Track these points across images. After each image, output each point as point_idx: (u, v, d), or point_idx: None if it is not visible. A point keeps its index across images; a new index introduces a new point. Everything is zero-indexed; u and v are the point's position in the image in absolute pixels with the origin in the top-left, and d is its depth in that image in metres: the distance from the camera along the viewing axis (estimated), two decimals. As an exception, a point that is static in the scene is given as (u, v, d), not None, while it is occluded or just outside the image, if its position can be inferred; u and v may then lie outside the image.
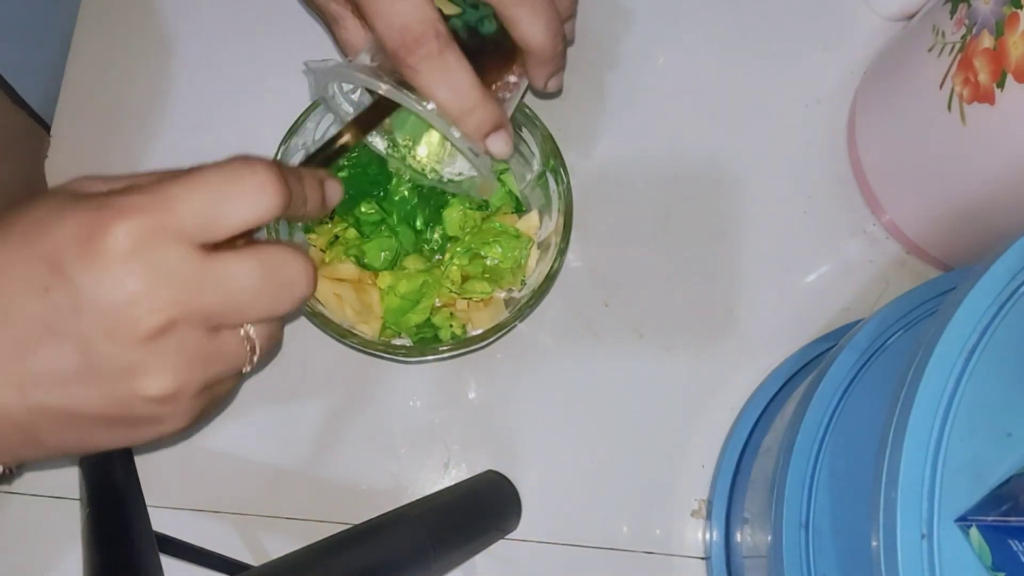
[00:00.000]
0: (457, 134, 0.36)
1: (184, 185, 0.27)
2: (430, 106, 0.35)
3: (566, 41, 0.38)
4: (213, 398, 0.31)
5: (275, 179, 0.27)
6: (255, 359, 0.30)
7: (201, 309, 0.27)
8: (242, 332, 0.29)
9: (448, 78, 0.34)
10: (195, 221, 0.26)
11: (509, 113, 0.39)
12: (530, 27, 0.36)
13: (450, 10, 0.36)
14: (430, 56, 0.34)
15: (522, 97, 0.40)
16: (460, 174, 0.41)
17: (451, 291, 0.42)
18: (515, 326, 0.42)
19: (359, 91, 0.40)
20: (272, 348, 0.31)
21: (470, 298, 0.43)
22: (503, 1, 0.35)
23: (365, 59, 0.37)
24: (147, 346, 0.26)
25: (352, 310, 0.42)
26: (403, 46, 0.34)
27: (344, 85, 0.39)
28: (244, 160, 0.28)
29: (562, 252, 0.42)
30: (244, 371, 0.30)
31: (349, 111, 0.40)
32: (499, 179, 0.44)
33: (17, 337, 0.26)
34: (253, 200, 0.27)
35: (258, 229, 0.29)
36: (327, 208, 0.32)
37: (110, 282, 0.26)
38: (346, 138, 0.36)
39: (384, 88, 0.35)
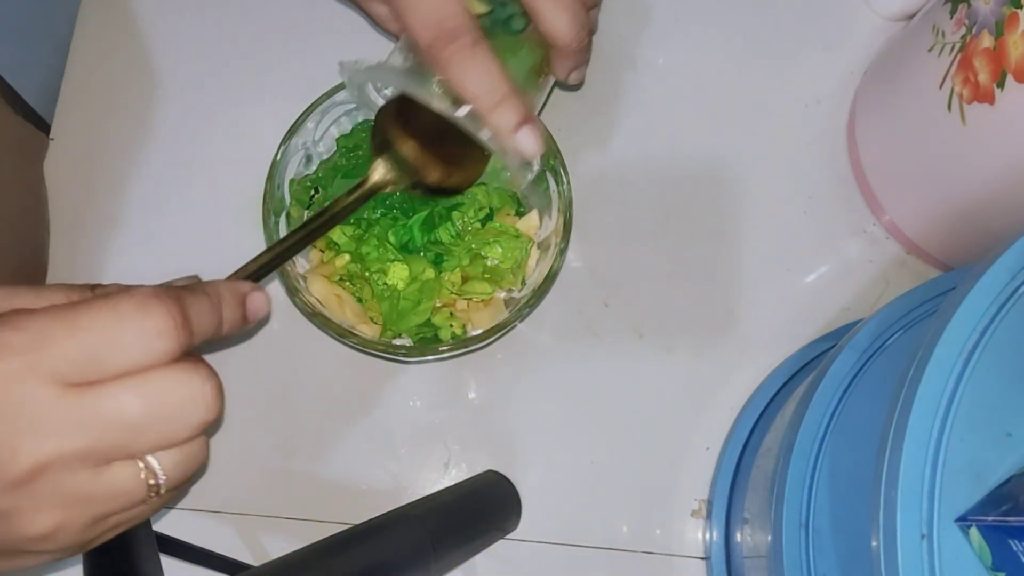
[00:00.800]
0: (487, 135, 0.36)
1: (65, 326, 0.25)
2: (460, 111, 0.35)
3: (591, 33, 0.38)
4: (115, 525, 0.29)
5: (171, 324, 0.26)
6: (162, 489, 0.28)
7: (76, 450, 0.25)
8: (140, 463, 0.27)
9: (479, 71, 0.35)
10: (71, 364, 0.25)
11: (535, 111, 0.40)
12: (556, 20, 0.36)
13: (479, 9, 0.36)
14: (462, 50, 0.34)
15: (548, 95, 0.41)
16: None
17: (451, 292, 0.42)
18: (515, 326, 0.42)
19: (389, 89, 0.40)
20: (184, 472, 0.28)
21: (470, 298, 0.43)
22: None
23: (398, 58, 0.37)
24: (19, 489, 0.25)
25: (352, 311, 0.42)
26: (436, 40, 0.34)
27: (378, 85, 0.40)
28: (140, 301, 0.26)
29: (562, 252, 0.42)
30: (149, 500, 0.28)
31: (380, 102, 0.40)
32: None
33: None
34: (142, 346, 0.26)
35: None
36: (250, 323, 0.31)
37: None
38: (296, 238, 0.36)
39: (418, 91, 0.35)
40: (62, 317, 0.25)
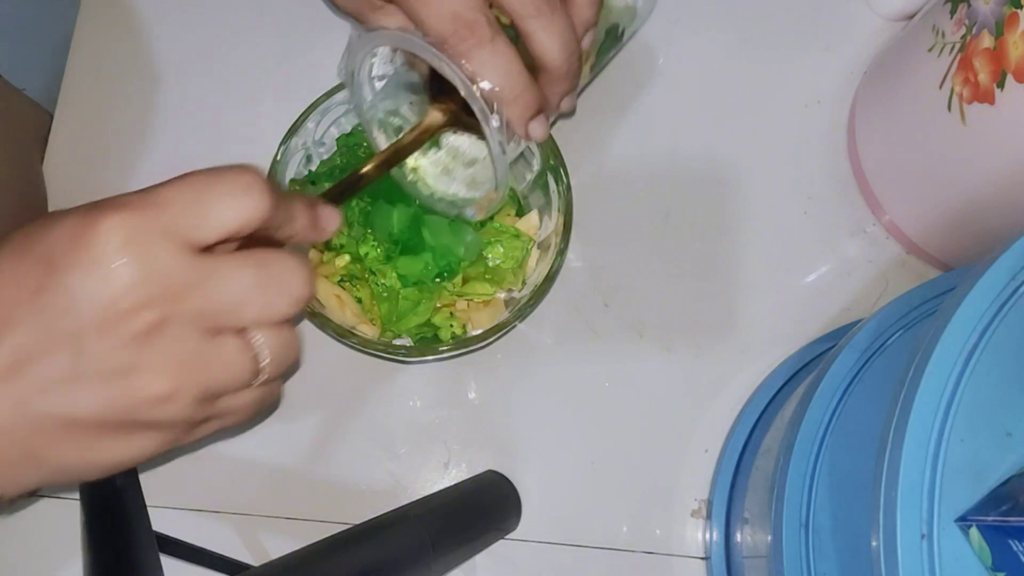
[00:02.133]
0: (495, 123, 0.35)
1: (172, 185, 0.27)
2: (477, 89, 0.35)
3: (581, 61, 0.38)
4: (221, 411, 0.30)
5: (261, 182, 0.27)
6: (262, 368, 0.29)
7: (193, 308, 0.26)
8: (244, 339, 0.28)
9: (500, 62, 0.34)
10: (184, 219, 0.26)
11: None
12: (545, 42, 0.36)
13: (505, 19, 0.36)
14: (482, 42, 0.34)
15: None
16: (455, 194, 0.42)
17: (451, 292, 0.42)
18: (515, 326, 0.42)
19: (383, 81, 0.40)
20: (284, 357, 0.30)
21: (470, 298, 0.43)
22: (519, 14, 0.35)
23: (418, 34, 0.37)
24: (139, 344, 0.26)
25: (352, 311, 0.42)
26: (455, 33, 0.34)
27: (373, 70, 0.39)
28: (232, 165, 0.28)
29: (562, 252, 0.42)
30: (253, 383, 0.29)
31: (368, 98, 0.40)
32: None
33: (12, 344, 0.26)
34: (238, 200, 0.27)
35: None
36: (321, 232, 0.32)
37: (100, 278, 0.25)
38: (369, 167, 0.36)
39: (441, 64, 0.34)
40: (171, 181, 0.27)
